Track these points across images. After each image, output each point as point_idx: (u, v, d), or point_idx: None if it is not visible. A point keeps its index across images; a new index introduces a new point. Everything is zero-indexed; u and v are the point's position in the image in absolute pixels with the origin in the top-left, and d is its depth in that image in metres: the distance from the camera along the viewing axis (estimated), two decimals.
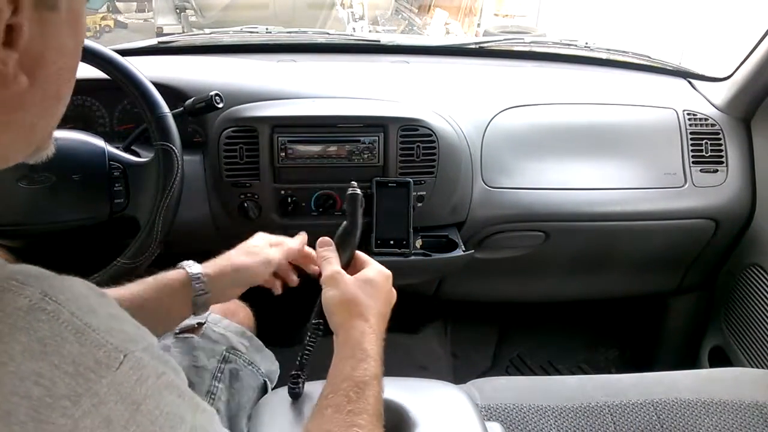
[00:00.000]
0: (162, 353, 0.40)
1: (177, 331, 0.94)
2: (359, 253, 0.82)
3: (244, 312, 1.08)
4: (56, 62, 0.42)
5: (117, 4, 6.72)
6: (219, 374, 0.91)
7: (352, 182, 0.86)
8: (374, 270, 0.76)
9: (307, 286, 0.97)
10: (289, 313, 1.23)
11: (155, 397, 0.37)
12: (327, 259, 0.77)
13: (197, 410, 0.40)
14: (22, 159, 0.46)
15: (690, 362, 1.65)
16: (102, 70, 1.03)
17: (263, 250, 0.89)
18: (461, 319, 1.81)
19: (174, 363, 0.41)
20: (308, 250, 0.94)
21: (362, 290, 0.72)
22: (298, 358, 0.81)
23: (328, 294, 0.72)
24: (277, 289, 0.93)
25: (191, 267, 0.85)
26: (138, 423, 0.35)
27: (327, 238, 0.82)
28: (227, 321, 1.00)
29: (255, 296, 0.96)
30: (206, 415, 0.41)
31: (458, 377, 1.61)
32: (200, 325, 0.96)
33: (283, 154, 1.18)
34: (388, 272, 0.77)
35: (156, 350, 0.40)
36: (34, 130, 0.44)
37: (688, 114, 1.40)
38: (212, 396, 0.88)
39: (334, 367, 0.65)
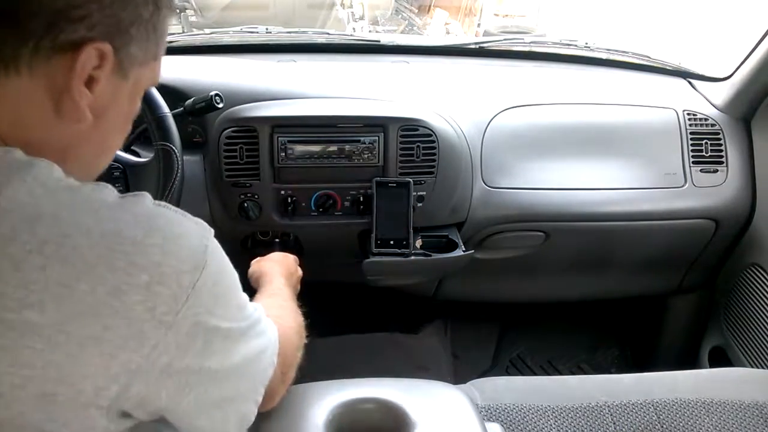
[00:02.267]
0: None
1: None
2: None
3: None
4: (114, 117, 0.54)
5: None
6: None
7: None
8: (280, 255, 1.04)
9: (305, 291, 0.97)
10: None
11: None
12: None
13: None
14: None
15: (690, 362, 1.65)
16: None
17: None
18: (461, 319, 1.81)
19: None
20: None
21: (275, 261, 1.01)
22: None
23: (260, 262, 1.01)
24: None
25: None
26: (227, 264, 0.54)
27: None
28: None
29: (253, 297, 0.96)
30: None
31: (458, 377, 1.61)
32: None
33: (283, 154, 1.18)
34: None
35: None
36: (88, 167, 0.56)
37: (688, 114, 1.40)
38: None
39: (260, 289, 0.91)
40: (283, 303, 0.85)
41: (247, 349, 0.57)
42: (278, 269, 0.96)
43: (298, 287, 1.00)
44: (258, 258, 1.02)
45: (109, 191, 0.50)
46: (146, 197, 0.51)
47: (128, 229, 0.47)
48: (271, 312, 0.68)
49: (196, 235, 0.51)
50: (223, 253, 0.54)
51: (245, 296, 0.58)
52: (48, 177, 0.48)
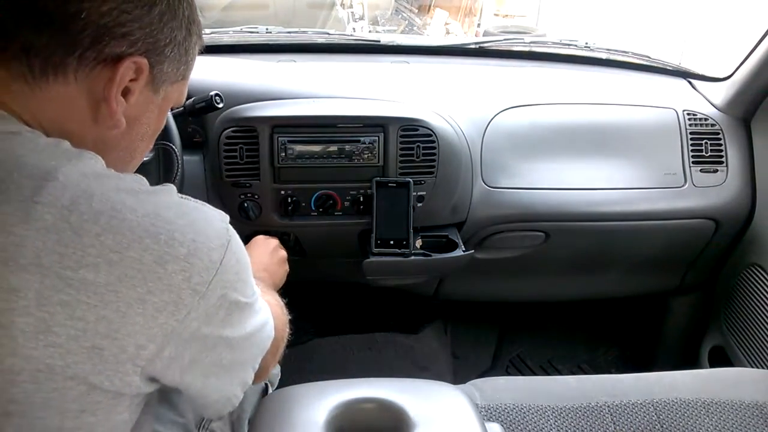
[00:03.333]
0: None
1: None
2: None
3: None
4: (142, 126, 0.62)
5: None
6: None
7: None
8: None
9: (305, 291, 0.97)
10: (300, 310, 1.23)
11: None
12: None
13: None
14: None
15: (690, 362, 1.65)
16: None
17: None
18: (461, 319, 1.81)
19: None
20: None
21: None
22: None
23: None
24: None
25: None
26: (243, 246, 0.60)
27: None
28: None
29: None
30: None
31: (458, 377, 1.61)
32: None
33: (283, 154, 1.18)
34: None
35: None
36: (117, 170, 0.60)
37: (688, 114, 1.40)
38: None
39: None
40: (264, 288, 0.88)
41: (255, 322, 0.63)
42: (257, 256, 1.01)
43: (284, 268, 1.05)
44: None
45: (145, 181, 0.56)
46: (173, 189, 0.58)
47: (164, 211, 0.54)
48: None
49: (218, 219, 0.58)
50: (239, 238, 0.60)
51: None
52: (95, 165, 0.54)
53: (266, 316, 0.67)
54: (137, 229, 0.52)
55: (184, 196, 0.59)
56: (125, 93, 0.56)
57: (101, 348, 0.51)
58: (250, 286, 0.61)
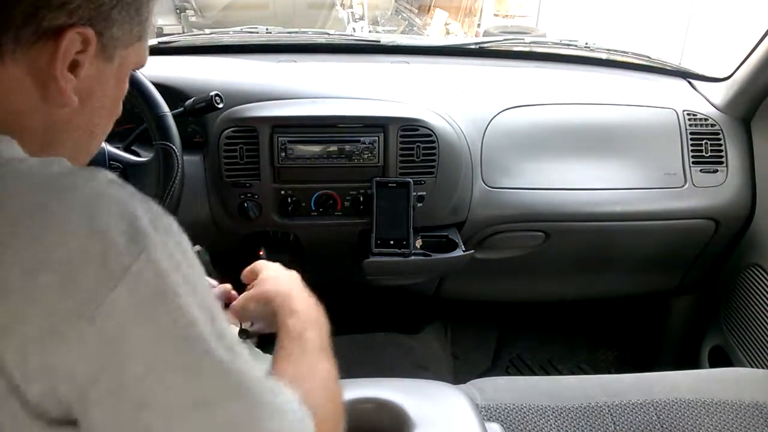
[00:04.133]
0: None
1: None
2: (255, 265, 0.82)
3: None
4: (100, 100, 0.54)
5: None
6: None
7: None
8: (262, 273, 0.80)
9: (327, 290, 0.97)
10: None
11: (193, 254, 0.46)
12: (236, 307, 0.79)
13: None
14: None
15: (690, 362, 1.64)
16: None
17: None
18: (461, 319, 1.81)
19: None
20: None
21: (256, 294, 0.76)
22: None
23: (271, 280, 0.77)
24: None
25: None
26: (192, 259, 0.45)
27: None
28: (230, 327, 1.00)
29: None
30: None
31: (458, 377, 1.61)
32: None
33: (283, 154, 1.18)
34: (263, 265, 0.81)
35: None
36: (75, 153, 0.55)
37: (688, 114, 1.40)
38: None
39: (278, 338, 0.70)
40: (318, 364, 0.65)
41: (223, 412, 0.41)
42: (287, 286, 0.75)
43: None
44: (263, 263, 0.82)
45: (59, 163, 0.45)
46: (99, 173, 0.45)
47: (59, 203, 0.41)
48: (304, 384, 0.54)
49: (142, 217, 0.43)
50: (187, 254, 0.45)
51: (220, 318, 0.45)
52: None
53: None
54: (7, 231, 0.41)
55: (119, 181, 0.46)
56: (73, 67, 0.49)
57: None
58: (204, 324, 0.43)
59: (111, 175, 0.46)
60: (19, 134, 0.48)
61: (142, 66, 0.58)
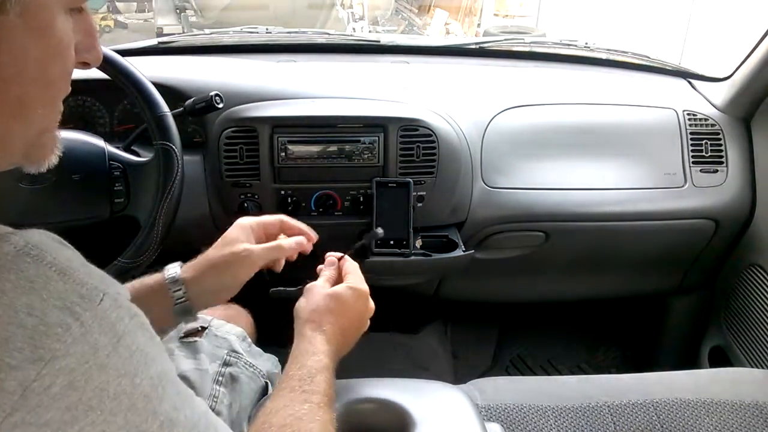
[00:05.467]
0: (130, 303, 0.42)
1: (182, 335, 0.94)
2: (348, 266, 0.83)
3: (245, 319, 1.09)
4: (13, 66, 0.41)
5: (117, 4, 6.72)
6: (220, 378, 0.91)
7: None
8: (348, 288, 0.78)
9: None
10: (290, 316, 1.23)
11: (132, 333, 0.39)
12: (323, 274, 0.82)
13: (165, 355, 0.43)
14: (11, 166, 0.47)
15: (690, 362, 1.64)
16: (102, 70, 1.03)
17: (242, 245, 0.79)
18: (461, 319, 1.81)
19: (141, 312, 0.43)
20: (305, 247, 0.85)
21: (326, 303, 0.75)
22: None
23: (299, 303, 0.77)
24: (277, 268, 0.85)
25: (172, 267, 0.78)
26: (119, 354, 0.37)
27: (332, 258, 0.84)
28: (230, 325, 1.01)
29: (254, 301, 0.96)
30: (172, 365, 0.44)
31: (458, 377, 1.61)
32: (203, 328, 0.96)
33: (283, 154, 1.18)
34: (363, 290, 0.79)
35: (127, 296, 0.41)
36: (9, 133, 0.44)
37: (688, 114, 1.40)
38: (215, 399, 0.88)
39: (289, 361, 0.69)
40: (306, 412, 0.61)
41: None
42: (342, 324, 0.74)
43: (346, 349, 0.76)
44: (328, 263, 0.82)
45: None
46: (5, 244, 0.37)
47: None
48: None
49: (56, 307, 0.35)
50: (129, 341, 0.38)
51: (176, 410, 0.41)
52: None
53: None
54: None
55: (34, 253, 0.37)
56: None
57: None
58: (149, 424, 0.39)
59: (22, 242, 0.37)
60: None
61: (77, 6, 0.46)
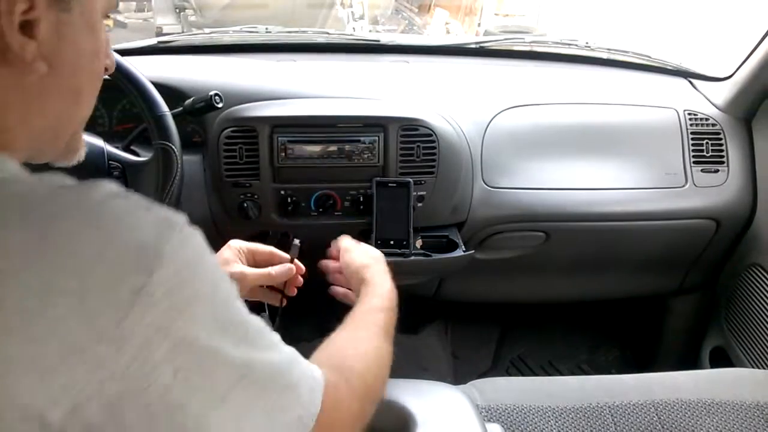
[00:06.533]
0: None
1: None
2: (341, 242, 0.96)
3: None
4: (74, 60, 0.48)
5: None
6: None
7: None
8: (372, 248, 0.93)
9: (305, 292, 0.97)
10: (293, 314, 1.23)
11: (207, 253, 0.46)
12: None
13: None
14: (54, 158, 0.54)
15: (691, 363, 1.64)
16: None
17: (237, 267, 0.85)
18: (461, 319, 1.81)
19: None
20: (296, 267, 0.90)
21: (369, 253, 0.90)
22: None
23: (351, 255, 0.89)
24: (275, 302, 0.91)
25: None
26: (204, 268, 0.45)
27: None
28: None
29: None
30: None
31: (458, 378, 1.61)
32: None
33: (283, 154, 1.18)
34: (343, 240, 0.96)
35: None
36: (61, 122, 0.51)
37: (689, 114, 1.40)
38: None
39: (357, 303, 0.78)
40: (376, 340, 0.69)
41: (249, 385, 0.45)
42: (386, 278, 0.83)
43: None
44: (347, 238, 0.92)
45: (59, 180, 0.43)
46: (100, 185, 0.43)
47: (64, 224, 0.40)
48: (359, 348, 0.63)
49: (148, 232, 0.42)
50: (202, 256, 0.45)
51: (243, 313, 0.48)
52: None
53: (289, 377, 0.49)
54: (14, 253, 0.39)
55: (122, 193, 0.44)
56: (27, 29, 0.44)
57: None
58: (226, 321, 0.45)
59: (113, 187, 0.44)
60: None
61: (114, 7, 0.53)
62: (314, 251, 1.30)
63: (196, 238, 0.45)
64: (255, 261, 0.89)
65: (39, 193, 0.42)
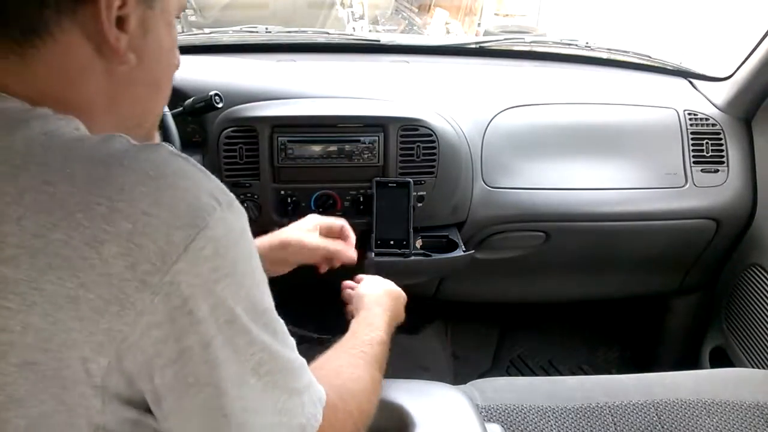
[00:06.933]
0: None
1: None
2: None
3: None
4: (155, 53, 0.53)
5: None
6: None
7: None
8: (397, 287, 0.93)
9: (305, 292, 0.97)
10: (300, 313, 1.23)
11: (248, 228, 0.49)
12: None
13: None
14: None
15: (691, 363, 1.64)
16: None
17: (311, 235, 0.94)
18: (461, 319, 1.80)
19: None
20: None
21: (387, 292, 0.90)
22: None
23: (364, 287, 0.90)
24: (323, 268, 0.97)
25: None
26: (244, 239, 0.47)
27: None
28: None
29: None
30: None
31: (458, 378, 1.61)
32: None
33: (283, 154, 1.18)
34: (403, 294, 0.94)
35: None
36: (145, 110, 0.56)
37: (689, 114, 1.40)
38: None
39: (351, 332, 0.78)
40: (365, 365, 0.71)
41: (270, 371, 0.47)
42: (394, 315, 0.86)
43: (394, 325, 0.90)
44: (365, 277, 0.95)
45: (121, 140, 0.45)
46: (163, 146, 0.46)
47: (120, 175, 0.42)
48: (347, 370, 0.64)
49: (204, 192, 0.44)
50: (246, 234, 0.47)
51: (271, 304, 0.49)
52: (57, 127, 0.45)
53: (301, 380, 0.50)
54: (69, 202, 0.41)
55: (184, 156, 0.47)
56: (121, 24, 0.48)
57: (34, 363, 0.40)
58: (253, 302, 0.47)
59: (173, 148, 0.46)
60: (85, 102, 0.49)
61: (184, 7, 0.58)
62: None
63: (243, 217, 0.48)
64: (327, 235, 0.96)
65: (106, 149, 0.44)
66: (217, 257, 0.43)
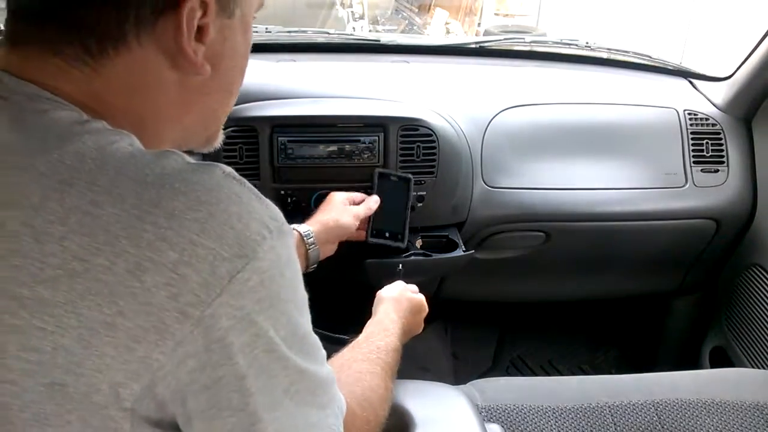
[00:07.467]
0: None
1: None
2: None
3: None
4: (231, 60, 0.53)
5: None
6: None
7: None
8: (421, 299, 0.97)
9: (328, 289, 0.98)
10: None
11: (295, 257, 0.47)
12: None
13: None
14: (196, 146, 0.58)
15: (691, 363, 1.64)
16: None
17: (348, 207, 1.05)
18: (461, 319, 1.80)
19: None
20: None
21: (409, 301, 0.93)
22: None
23: (386, 291, 0.94)
24: (362, 237, 1.08)
25: (298, 226, 0.98)
26: (291, 268, 0.46)
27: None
28: None
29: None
30: None
31: (458, 378, 1.61)
32: None
33: (283, 154, 1.18)
34: (426, 307, 0.98)
35: None
36: (214, 116, 0.56)
37: (689, 114, 1.40)
38: None
39: (367, 333, 0.81)
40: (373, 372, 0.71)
41: (305, 401, 0.47)
42: (410, 325, 0.91)
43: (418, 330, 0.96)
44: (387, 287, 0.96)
45: (176, 159, 0.44)
46: (217, 168, 0.44)
47: (171, 199, 0.41)
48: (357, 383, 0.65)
49: (255, 220, 0.43)
50: (292, 259, 0.46)
51: (309, 325, 0.49)
52: (110, 142, 0.43)
53: (331, 403, 0.50)
54: (115, 227, 0.40)
55: (239, 178, 0.45)
56: (199, 35, 0.48)
57: (62, 384, 0.40)
58: (298, 334, 0.46)
59: (227, 169, 0.45)
60: (150, 114, 0.49)
61: (262, 6, 0.56)
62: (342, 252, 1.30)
63: (291, 239, 0.46)
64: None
65: (160, 168, 0.43)
66: (263, 289, 0.43)
